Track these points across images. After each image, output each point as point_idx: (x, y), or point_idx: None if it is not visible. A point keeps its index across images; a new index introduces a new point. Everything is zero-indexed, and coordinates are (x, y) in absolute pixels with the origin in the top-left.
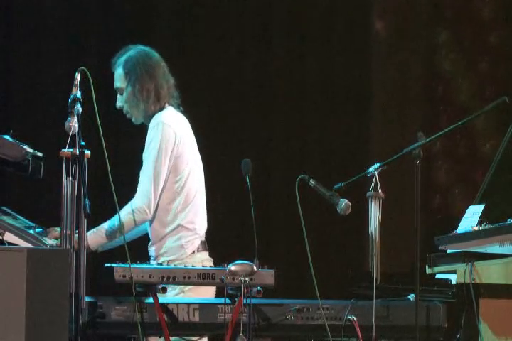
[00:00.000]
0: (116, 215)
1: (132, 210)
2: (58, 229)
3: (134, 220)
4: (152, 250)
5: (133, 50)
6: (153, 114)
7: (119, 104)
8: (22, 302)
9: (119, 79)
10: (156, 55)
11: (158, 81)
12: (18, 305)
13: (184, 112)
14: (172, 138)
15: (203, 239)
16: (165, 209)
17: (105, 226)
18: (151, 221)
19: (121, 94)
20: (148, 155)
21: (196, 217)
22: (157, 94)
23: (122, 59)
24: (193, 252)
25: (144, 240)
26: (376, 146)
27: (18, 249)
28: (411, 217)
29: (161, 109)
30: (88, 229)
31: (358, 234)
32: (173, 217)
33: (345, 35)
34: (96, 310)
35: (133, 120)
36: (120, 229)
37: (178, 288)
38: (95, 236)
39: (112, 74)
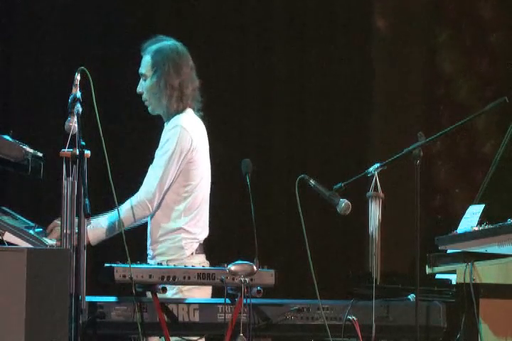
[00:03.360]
0: (117, 210)
1: (134, 204)
2: (58, 222)
3: (134, 215)
4: (151, 249)
5: (166, 42)
6: (174, 113)
7: (139, 89)
8: (22, 302)
9: (145, 66)
10: (186, 53)
11: (183, 79)
12: (18, 305)
13: (203, 117)
14: (188, 144)
15: (202, 242)
16: (169, 210)
17: (105, 220)
18: (154, 220)
19: (144, 81)
20: (161, 154)
21: (199, 224)
22: (181, 93)
23: (153, 47)
24: (192, 254)
25: (145, 240)
26: (376, 146)
27: (18, 249)
28: (411, 217)
29: (183, 109)
30: None
31: (358, 234)
32: (176, 219)
33: (345, 35)
34: (96, 310)
35: (149, 109)
36: (120, 224)
37: (176, 288)
38: (95, 231)
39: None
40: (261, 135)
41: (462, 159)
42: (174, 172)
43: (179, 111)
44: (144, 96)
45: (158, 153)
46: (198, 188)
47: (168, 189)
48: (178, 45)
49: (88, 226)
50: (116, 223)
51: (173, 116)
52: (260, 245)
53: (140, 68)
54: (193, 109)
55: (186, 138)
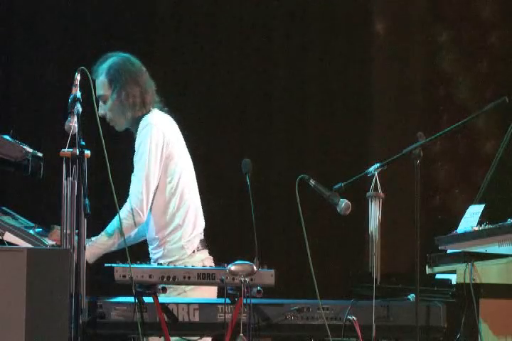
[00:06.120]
0: (112, 222)
1: (126, 214)
2: (58, 227)
3: (129, 224)
4: (153, 252)
5: (115, 57)
6: (139, 119)
7: (101, 111)
8: (22, 302)
9: (102, 87)
10: (137, 61)
11: (142, 87)
12: (18, 305)
13: (169, 112)
14: (161, 139)
15: (202, 237)
16: (162, 211)
17: (102, 235)
18: (150, 224)
19: (104, 102)
20: (139, 158)
21: (192, 215)
22: (143, 100)
23: (104, 66)
24: (193, 252)
25: (144, 240)
26: (376, 146)
27: (18, 249)
28: (411, 217)
29: (147, 112)
30: (88, 229)
31: (358, 234)
32: (170, 218)
33: (345, 35)
34: (96, 310)
35: (116, 128)
36: (117, 235)
37: (180, 288)
38: (91, 249)
39: None
40: (261, 135)
41: (462, 159)
42: (156, 172)
43: (143, 114)
44: (109, 117)
45: (135, 158)
46: (182, 181)
47: (155, 190)
48: (128, 55)
49: (86, 245)
50: (114, 235)
51: (139, 122)
52: (260, 245)
53: (97, 91)
54: (157, 108)
55: (158, 134)
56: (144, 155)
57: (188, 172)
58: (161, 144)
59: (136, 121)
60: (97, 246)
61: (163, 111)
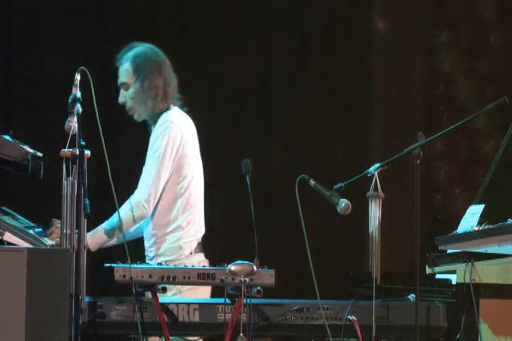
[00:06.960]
0: (116, 213)
1: (131, 206)
2: (58, 225)
3: (133, 216)
4: (150, 250)
5: (141, 47)
6: (160, 113)
7: (121, 99)
8: (22, 302)
9: (126, 75)
10: (162, 53)
11: (166, 79)
12: (18, 305)
13: (188, 112)
14: (178, 138)
15: (200, 240)
16: (166, 209)
17: (104, 225)
18: (151, 221)
19: (126, 90)
20: (153, 153)
21: (196, 220)
22: (165, 92)
23: (130, 54)
24: (191, 253)
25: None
26: (376, 146)
27: (18, 249)
28: (411, 217)
29: (168, 108)
30: (88, 229)
31: (358, 234)
32: (174, 218)
33: (345, 35)
34: (96, 310)
35: (135, 117)
36: (119, 226)
37: (175, 288)
38: (95, 237)
39: (114, 70)
40: (261, 135)
41: (462, 159)
42: (168, 169)
43: (164, 109)
44: (129, 105)
45: (149, 152)
46: (192, 183)
47: (164, 187)
48: (153, 46)
49: (88, 233)
50: (116, 226)
51: (159, 116)
52: (260, 245)
53: (120, 78)
54: (177, 107)
55: (177, 132)
56: (159, 149)
57: (198, 178)
58: (178, 142)
59: (156, 114)
60: (99, 235)
61: (182, 110)
